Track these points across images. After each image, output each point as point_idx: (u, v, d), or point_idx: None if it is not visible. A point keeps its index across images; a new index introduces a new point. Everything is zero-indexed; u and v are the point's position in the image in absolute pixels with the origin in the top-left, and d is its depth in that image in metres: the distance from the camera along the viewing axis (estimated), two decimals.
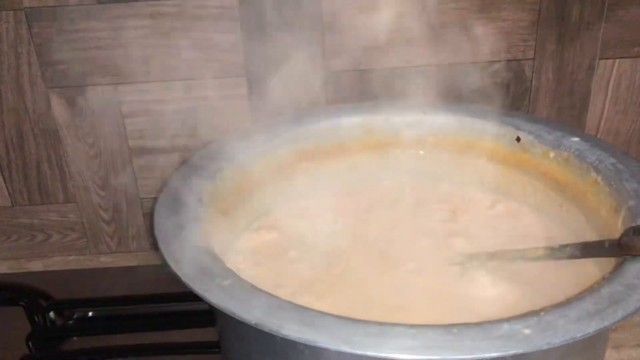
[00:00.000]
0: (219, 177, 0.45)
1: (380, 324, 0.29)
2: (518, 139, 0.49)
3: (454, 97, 0.60)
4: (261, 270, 0.43)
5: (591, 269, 0.40)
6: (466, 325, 0.29)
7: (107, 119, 0.62)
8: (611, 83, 0.62)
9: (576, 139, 0.46)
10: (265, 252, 0.45)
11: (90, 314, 0.58)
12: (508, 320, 0.29)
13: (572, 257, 0.38)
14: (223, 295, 0.31)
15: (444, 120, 0.53)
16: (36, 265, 0.68)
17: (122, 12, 0.57)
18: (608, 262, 0.37)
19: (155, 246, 0.37)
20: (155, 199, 0.42)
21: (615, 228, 0.40)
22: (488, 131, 0.51)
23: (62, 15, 0.57)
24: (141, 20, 0.58)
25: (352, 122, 0.53)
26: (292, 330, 0.29)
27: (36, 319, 0.55)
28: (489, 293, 0.41)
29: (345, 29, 0.58)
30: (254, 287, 0.32)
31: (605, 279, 0.32)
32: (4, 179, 0.65)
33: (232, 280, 0.33)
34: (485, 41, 0.59)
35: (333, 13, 0.58)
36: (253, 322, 0.30)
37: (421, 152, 0.54)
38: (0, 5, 0.56)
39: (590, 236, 0.43)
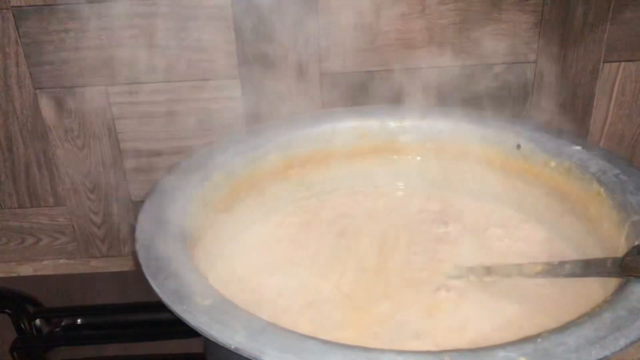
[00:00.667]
0: (207, 185, 0.43)
1: (367, 349, 0.28)
2: (518, 147, 0.48)
3: (453, 101, 0.59)
4: (248, 286, 0.41)
5: (594, 285, 0.39)
6: (458, 352, 0.28)
7: (97, 121, 0.60)
8: (616, 87, 0.60)
9: (578, 147, 0.45)
10: (255, 264, 0.44)
11: (78, 321, 0.56)
12: (503, 346, 0.28)
13: (572, 275, 0.36)
14: (202, 317, 0.30)
15: (442, 126, 0.51)
16: (26, 270, 0.67)
17: (111, 12, 0.56)
18: (611, 280, 0.35)
19: (135, 259, 0.36)
20: (139, 208, 0.41)
21: (619, 243, 0.38)
22: (487, 137, 0.49)
23: (50, 14, 0.56)
24: (131, 20, 0.56)
25: (346, 127, 0.51)
26: (273, 356, 0.27)
27: (22, 326, 0.54)
28: (487, 310, 0.39)
29: (341, 30, 0.57)
30: (235, 308, 0.31)
31: (607, 302, 0.31)
32: None
33: (213, 300, 0.31)
34: (485, 43, 0.58)
35: (329, 14, 0.56)
36: (233, 347, 0.28)
37: (418, 158, 0.52)
38: None
39: (592, 250, 0.41)
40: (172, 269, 0.34)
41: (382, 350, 0.28)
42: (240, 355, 0.30)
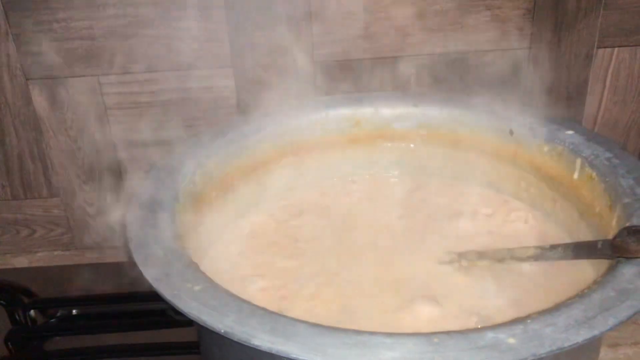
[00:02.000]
0: (198, 174, 0.43)
1: (357, 332, 0.28)
2: (511, 132, 0.47)
3: (446, 87, 0.59)
4: (244, 267, 0.41)
5: (586, 267, 0.39)
6: (448, 334, 0.28)
7: (89, 111, 0.60)
8: (610, 72, 0.60)
9: (571, 132, 0.44)
10: (249, 249, 0.44)
11: (73, 312, 0.57)
12: (492, 328, 0.28)
13: (564, 258, 0.36)
14: (192, 302, 0.30)
15: (435, 113, 0.51)
16: (21, 261, 0.67)
17: (103, 1, 0.55)
18: (603, 262, 0.35)
19: (126, 246, 0.36)
20: (129, 197, 0.41)
21: (610, 226, 0.38)
22: (480, 124, 0.49)
23: (40, 4, 0.55)
24: (123, 9, 0.56)
25: (339, 115, 0.51)
26: (263, 340, 0.27)
27: (17, 317, 0.54)
28: (480, 293, 0.39)
29: (333, 17, 0.56)
30: (226, 292, 0.31)
31: (597, 283, 0.31)
32: None
33: (203, 285, 0.31)
34: (479, 30, 0.57)
35: (321, 1, 0.56)
36: (222, 331, 0.28)
37: (412, 145, 0.52)
38: None
39: (585, 234, 0.41)
40: (162, 257, 0.34)
41: (372, 333, 0.28)
42: (232, 345, 0.30)
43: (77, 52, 0.57)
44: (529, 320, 0.28)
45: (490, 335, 0.27)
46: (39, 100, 0.59)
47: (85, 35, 0.57)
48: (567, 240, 0.42)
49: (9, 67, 0.58)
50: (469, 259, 0.41)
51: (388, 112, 0.52)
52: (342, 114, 0.51)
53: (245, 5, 0.56)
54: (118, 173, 0.63)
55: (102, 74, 0.58)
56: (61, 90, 0.59)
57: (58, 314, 0.56)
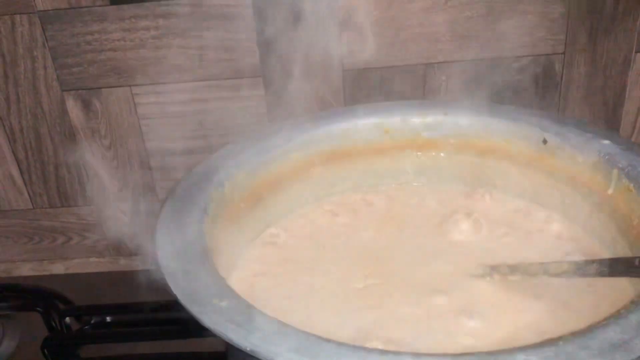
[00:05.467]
0: (227, 185, 0.43)
1: (382, 352, 0.27)
2: (545, 141, 0.46)
3: (478, 95, 0.57)
4: (270, 283, 0.41)
5: (625, 285, 0.37)
6: (477, 355, 0.27)
7: (123, 121, 0.61)
8: None
9: (607, 141, 0.43)
10: (275, 264, 0.43)
11: (108, 319, 0.57)
12: (523, 350, 0.27)
13: (599, 274, 0.35)
14: (219, 318, 0.30)
15: (466, 121, 0.50)
16: (58, 268, 0.69)
17: (135, 13, 0.56)
18: None
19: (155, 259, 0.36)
20: (160, 207, 0.41)
21: None
22: (513, 133, 0.48)
23: (75, 17, 0.57)
24: (154, 20, 0.56)
25: (368, 124, 0.51)
26: (288, 358, 0.27)
27: (53, 324, 0.55)
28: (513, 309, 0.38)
29: (362, 26, 0.56)
30: (252, 309, 0.31)
31: (634, 303, 0.29)
32: (24, 181, 0.65)
33: (230, 300, 0.31)
34: (512, 35, 0.56)
35: (350, 9, 0.56)
36: (248, 349, 0.28)
37: (442, 154, 0.51)
38: (14, 9, 0.56)
39: (623, 248, 0.40)
40: (190, 270, 0.34)
41: (398, 353, 0.27)
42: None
43: (110, 63, 0.58)
44: (561, 342, 0.27)
45: (521, 357, 0.27)
46: (74, 110, 0.61)
47: (118, 46, 0.58)
48: (604, 256, 0.41)
49: (46, 78, 0.59)
50: (502, 272, 0.40)
51: (417, 120, 0.51)
52: (371, 123, 0.51)
53: (274, 15, 0.56)
54: (151, 182, 0.64)
55: (135, 85, 0.59)
56: (95, 101, 0.60)
57: (92, 321, 0.57)
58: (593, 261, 0.36)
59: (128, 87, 0.59)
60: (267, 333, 0.29)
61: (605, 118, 0.59)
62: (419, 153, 0.51)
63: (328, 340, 0.28)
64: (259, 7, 0.56)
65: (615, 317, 0.29)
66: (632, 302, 0.30)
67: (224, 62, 0.58)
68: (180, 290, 0.32)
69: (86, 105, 0.61)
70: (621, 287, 0.37)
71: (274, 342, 0.28)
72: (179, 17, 0.56)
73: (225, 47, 0.57)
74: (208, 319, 0.30)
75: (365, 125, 0.51)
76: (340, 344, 0.28)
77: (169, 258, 0.35)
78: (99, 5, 0.56)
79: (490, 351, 0.27)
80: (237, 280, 0.40)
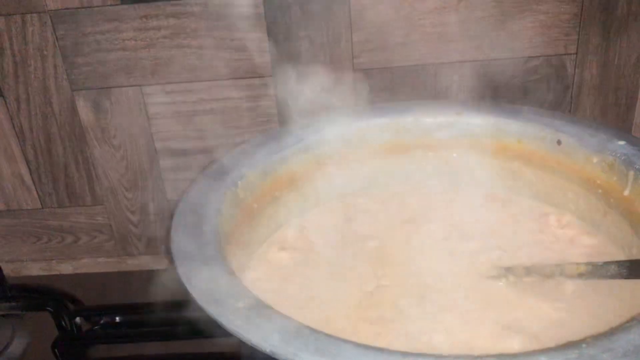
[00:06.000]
0: (240, 185, 0.43)
1: (403, 354, 0.27)
2: (559, 142, 0.46)
3: (490, 95, 0.57)
4: (283, 286, 0.41)
5: None
6: (498, 357, 0.27)
7: (133, 121, 0.61)
8: None
9: (622, 142, 0.43)
10: (288, 265, 0.43)
11: (117, 319, 0.57)
12: (545, 352, 0.27)
13: (617, 276, 0.35)
14: (236, 319, 0.30)
15: (479, 122, 0.50)
16: (66, 268, 0.68)
17: (145, 13, 0.56)
18: None
19: (171, 260, 0.36)
20: (173, 208, 0.41)
21: None
22: (527, 133, 0.48)
23: (85, 16, 0.56)
24: (165, 20, 0.56)
25: (380, 124, 0.51)
26: None
27: (63, 324, 0.55)
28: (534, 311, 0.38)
29: (372, 26, 0.56)
30: (270, 309, 0.31)
31: None
32: (33, 181, 0.65)
33: (247, 301, 0.31)
34: (524, 36, 0.56)
35: (362, 8, 0.55)
36: (268, 350, 0.28)
37: (454, 155, 0.51)
38: (25, 8, 0.56)
39: (638, 249, 0.40)
40: (206, 271, 0.34)
41: (419, 354, 0.27)
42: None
43: (120, 62, 0.58)
44: (584, 345, 0.27)
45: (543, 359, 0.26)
46: (84, 110, 0.61)
47: (128, 46, 0.57)
48: (620, 257, 0.40)
49: (56, 78, 0.59)
50: (517, 274, 0.40)
51: (429, 121, 0.51)
52: (383, 123, 0.51)
53: (285, 15, 0.56)
54: (161, 182, 0.64)
55: (145, 84, 0.59)
56: (105, 100, 0.60)
57: (102, 322, 0.57)
58: (610, 263, 0.36)
59: (138, 87, 0.59)
60: (286, 334, 0.29)
61: (618, 119, 0.59)
62: (431, 153, 0.51)
63: (346, 341, 0.28)
64: (269, 7, 0.55)
65: (637, 319, 0.28)
66: None
67: (235, 61, 0.58)
68: (198, 291, 0.32)
69: (96, 105, 0.60)
70: (638, 290, 0.37)
71: (293, 344, 0.28)
72: (190, 16, 0.56)
73: (235, 46, 0.57)
74: (227, 321, 0.29)
75: (376, 125, 0.51)
76: (358, 345, 0.28)
77: (184, 258, 0.35)
78: (110, 5, 0.56)
79: (514, 353, 0.27)
80: (251, 281, 0.40)
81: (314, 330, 0.29)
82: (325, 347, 0.28)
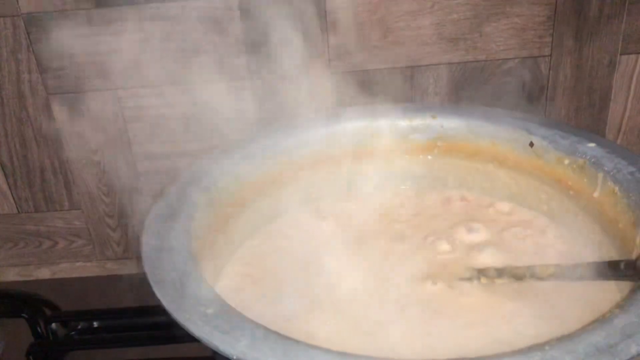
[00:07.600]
0: (213, 190, 0.43)
1: (369, 358, 0.27)
2: (531, 144, 0.46)
3: (465, 98, 0.58)
4: (256, 290, 0.41)
5: (612, 287, 0.38)
6: None
7: (109, 125, 0.61)
8: (634, 79, 0.58)
9: (592, 144, 0.43)
10: (263, 269, 0.43)
11: (95, 324, 0.57)
12: (509, 355, 0.27)
13: (585, 277, 0.35)
14: (205, 326, 0.30)
15: (453, 124, 0.50)
16: (44, 273, 0.68)
17: (120, 16, 0.56)
18: (628, 283, 0.34)
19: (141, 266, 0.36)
20: (146, 213, 0.41)
21: (634, 244, 0.37)
22: (500, 135, 0.48)
23: (60, 20, 0.56)
24: (140, 23, 0.56)
25: (356, 127, 0.51)
26: None
27: (39, 330, 0.55)
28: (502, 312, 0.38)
29: (349, 28, 0.56)
30: (239, 316, 0.31)
31: (619, 307, 0.30)
32: (8, 186, 0.64)
33: (216, 308, 0.31)
34: (498, 38, 0.56)
35: (337, 12, 0.55)
36: (235, 357, 0.28)
37: (429, 157, 0.51)
38: None
39: (609, 251, 0.40)
40: (177, 277, 0.34)
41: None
42: None
43: (96, 66, 0.58)
44: (547, 347, 0.27)
45: None
46: (60, 114, 0.60)
47: (103, 50, 0.57)
48: (591, 259, 0.41)
49: (31, 82, 0.59)
50: (488, 275, 0.40)
51: (405, 123, 0.51)
52: (359, 126, 0.51)
53: (261, 18, 0.56)
54: (137, 186, 0.63)
55: (121, 88, 0.59)
56: (81, 105, 0.60)
57: (79, 327, 0.56)
58: (580, 264, 0.36)
59: (114, 91, 0.59)
60: (254, 340, 0.29)
61: (591, 120, 0.60)
62: (406, 156, 0.51)
63: (315, 347, 0.28)
64: (245, 10, 0.55)
65: (600, 321, 0.29)
66: (618, 305, 0.30)
67: (211, 65, 0.57)
68: (167, 297, 0.32)
69: (72, 109, 0.60)
70: (608, 291, 0.37)
71: (261, 350, 0.28)
72: (165, 20, 0.56)
73: (212, 50, 0.57)
74: (194, 327, 0.29)
75: (352, 128, 0.51)
76: (327, 351, 0.28)
77: (155, 264, 0.35)
78: (84, 8, 0.55)
79: (478, 356, 0.27)
80: (224, 287, 0.40)
81: (282, 336, 0.29)
82: (293, 353, 0.28)
